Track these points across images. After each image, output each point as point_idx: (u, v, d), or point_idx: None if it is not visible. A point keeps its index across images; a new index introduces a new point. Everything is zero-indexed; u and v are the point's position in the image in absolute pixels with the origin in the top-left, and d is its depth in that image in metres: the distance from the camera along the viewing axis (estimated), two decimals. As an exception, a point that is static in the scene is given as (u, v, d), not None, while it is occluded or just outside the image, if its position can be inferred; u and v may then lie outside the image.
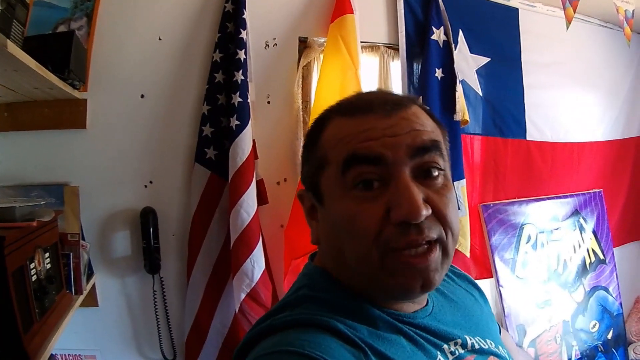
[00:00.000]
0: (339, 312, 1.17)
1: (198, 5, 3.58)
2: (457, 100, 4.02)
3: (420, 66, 4.12)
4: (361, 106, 1.23)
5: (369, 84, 3.95)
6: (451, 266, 1.43)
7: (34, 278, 2.13)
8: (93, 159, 3.32)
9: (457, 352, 1.23)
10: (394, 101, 1.23)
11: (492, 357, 1.30)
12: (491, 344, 1.35)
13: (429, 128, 1.21)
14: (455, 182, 4.01)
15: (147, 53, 3.47)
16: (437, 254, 1.13)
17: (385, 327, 1.18)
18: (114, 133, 3.38)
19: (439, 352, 1.20)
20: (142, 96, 3.44)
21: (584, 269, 4.90)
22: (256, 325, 1.20)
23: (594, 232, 5.08)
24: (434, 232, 1.12)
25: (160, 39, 3.49)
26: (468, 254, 4.10)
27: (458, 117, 4.01)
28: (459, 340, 1.26)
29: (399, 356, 1.13)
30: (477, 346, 1.29)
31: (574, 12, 4.05)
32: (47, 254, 2.36)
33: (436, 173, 1.17)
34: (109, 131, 3.37)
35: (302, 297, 1.24)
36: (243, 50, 3.44)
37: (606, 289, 5.02)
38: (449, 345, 1.24)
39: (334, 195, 1.19)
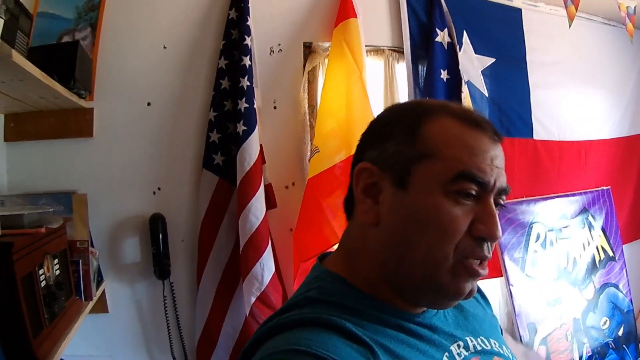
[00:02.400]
0: (346, 311, 1.18)
1: (202, 13, 3.60)
2: (463, 101, 4.01)
3: (425, 68, 4.13)
4: (475, 120, 1.26)
5: (374, 87, 3.98)
6: None
7: (43, 284, 2.13)
8: (101, 167, 3.35)
9: (462, 354, 1.26)
10: (495, 128, 1.28)
11: (495, 357, 1.32)
12: (495, 344, 1.37)
13: (504, 167, 1.27)
14: None
15: (152, 61, 3.50)
16: (486, 270, 1.22)
17: (393, 326, 1.20)
18: (121, 141, 3.41)
19: (445, 353, 1.22)
20: (149, 104, 3.47)
21: (593, 267, 4.88)
22: (263, 324, 1.21)
23: (603, 230, 5.06)
24: (490, 253, 1.22)
25: (165, 47, 3.51)
26: None
27: (465, 118, 3.95)
28: (461, 343, 1.28)
29: (407, 354, 1.14)
30: (479, 347, 1.31)
31: (576, 11, 4.06)
32: (56, 261, 2.37)
33: (499, 206, 1.26)
34: (116, 139, 3.39)
35: (309, 298, 1.25)
36: (248, 57, 3.45)
37: (616, 286, 5.00)
38: (454, 346, 1.26)
39: (429, 189, 1.19)
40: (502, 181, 1.21)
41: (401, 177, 1.23)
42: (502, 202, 1.26)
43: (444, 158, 1.19)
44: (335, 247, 1.44)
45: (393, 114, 1.36)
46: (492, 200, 1.20)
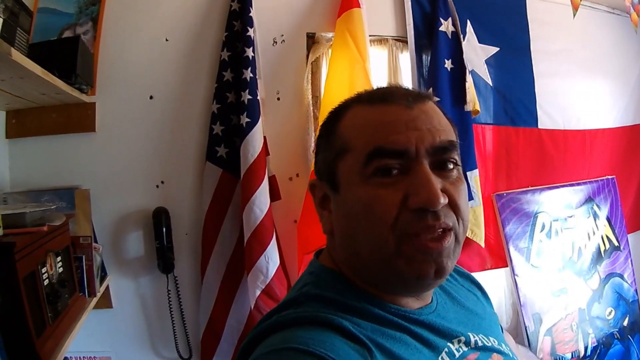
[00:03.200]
0: (343, 309, 1.18)
1: (204, 4, 3.60)
2: (467, 90, 4.01)
3: (429, 58, 4.12)
4: (381, 95, 1.25)
5: (378, 77, 3.96)
6: (455, 266, 1.40)
7: (46, 282, 2.13)
8: (103, 162, 3.35)
9: (460, 349, 1.24)
10: (413, 94, 1.25)
11: (495, 354, 1.30)
12: (494, 342, 1.35)
13: (445, 126, 1.23)
14: (468, 172, 4.04)
15: (155, 54, 3.50)
16: (450, 240, 1.16)
17: (390, 325, 1.19)
18: (124, 135, 3.41)
19: (443, 350, 1.20)
20: (151, 97, 3.47)
21: (598, 256, 4.88)
22: (261, 322, 1.21)
23: (608, 219, 5.06)
24: (449, 220, 1.16)
25: (167, 40, 3.51)
26: (483, 244, 4.11)
27: (469, 107, 4.00)
28: (463, 338, 1.27)
29: (404, 353, 1.13)
30: (480, 343, 1.29)
31: (581, 0, 4.04)
32: (59, 258, 2.36)
33: (452, 166, 1.21)
34: (119, 133, 3.40)
35: (306, 295, 1.25)
36: (251, 48, 3.45)
37: (621, 276, 5.00)
38: (452, 342, 1.24)
39: (352, 182, 1.20)
40: (430, 140, 1.17)
41: (331, 181, 1.27)
42: (454, 160, 1.21)
43: (355, 147, 1.21)
44: None
45: (325, 123, 1.38)
46: (424, 167, 1.15)
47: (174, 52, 3.54)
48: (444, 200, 1.13)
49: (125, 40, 3.42)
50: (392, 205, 1.13)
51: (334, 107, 1.37)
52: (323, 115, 3.47)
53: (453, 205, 1.17)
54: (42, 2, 3.23)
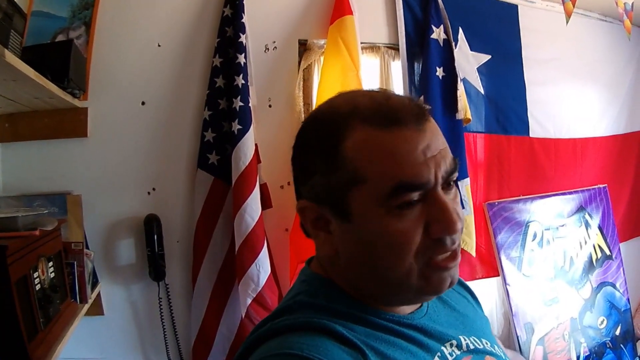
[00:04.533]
0: (337, 316, 1.18)
1: (196, 10, 3.60)
2: (458, 98, 4.04)
3: (421, 65, 4.14)
4: (389, 117, 1.15)
5: (370, 84, 3.97)
6: None
7: (37, 287, 2.12)
8: (95, 168, 3.34)
9: (454, 353, 1.25)
10: (417, 110, 1.17)
11: (488, 356, 1.31)
12: (486, 344, 1.36)
13: (445, 143, 1.20)
14: (459, 181, 4.04)
15: (147, 60, 3.49)
16: (459, 253, 1.19)
17: (384, 329, 1.19)
18: (116, 141, 3.41)
19: (437, 353, 1.22)
20: (143, 103, 3.46)
21: (590, 265, 4.91)
22: (255, 330, 1.21)
23: (600, 228, 5.09)
24: (458, 239, 1.18)
25: (159, 45, 3.51)
26: (474, 253, 4.14)
27: (460, 115, 4.03)
28: (454, 341, 1.28)
29: (399, 356, 1.14)
30: (472, 346, 1.30)
31: (573, 7, 4.06)
32: (50, 263, 2.35)
33: (452, 184, 1.19)
34: (111, 139, 3.39)
35: (299, 303, 1.24)
36: (243, 55, 3.46)
37: (613, 285, 5.03)
38: (445, 346, 1.25)
39: (370, 213, 1.13)
40: (444, 166, 1.14)
41: (340, 209, 1.19)
42: (454, 178, 1.19)
43: (373, 178, 1.13)
44: None
45: (308, 135, 1.28)
46: (441, 195, 1.13)
47: (166, 58, 3.53)
48: (461, 224, 1.13)
49: (117, 45, 3.42)
50: (414, 237, 1.12)
51: (325, 120, 1.24)
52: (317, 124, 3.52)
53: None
54: (36, 5, 3.22)
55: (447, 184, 1.16)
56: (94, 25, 3.33)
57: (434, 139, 1.15)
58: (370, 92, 1.30)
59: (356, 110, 1.18)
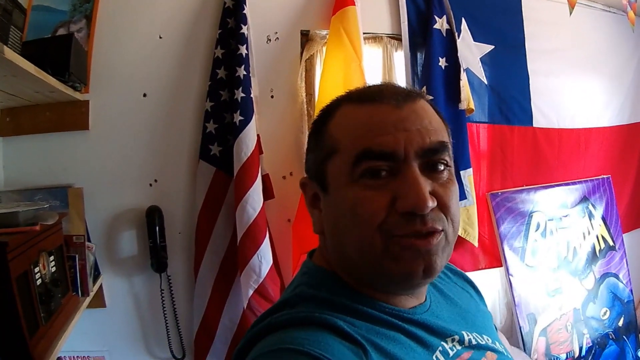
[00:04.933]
0: (338, 309, 1.19)
1: (198, 2, 3.60)
2: (461, 89, 4.02)
3: (423, 56, 4.13)
4: (371, 95, 1.23)
5: (373, 75, 3.98)
6: (447, 264, 1.45)
7: (38, 282, 2.13)
8: (97, 160, 3.36)
9: (454, 348, 1.25)
10: (404, 93, 1.23)
11: (489, 352, 1.31)
12: (488, 340, 1.36)
13: (437, 126, 1.22)
14: (462, 171, 4.04)
15: (148, 52, 3.51)
16: (439, 238, 1.15)
17: (384, 324, 1.19)
18: (117, 133, 3.42)
19: (437, 349, 1.21)
20: (145, 95, 3.48)
21: (593, 256, 4.90)
22: (255, 324, 1.21)
23: (603, 219, 5.08)
24: (438, 224, 1.15)
25: (160, 37, 3.52)
26: (476, 244, 4.11)
27: (463, 105, 4.01)
28: (456, 337, 1.27)
29: (399, 352, 1.14)
30: (474, 342, 1.30)
31: (578, -3, 4.00)
32: (51, 257, 2.36)
33: (442, 168, 1.20)
34: (112, 131, 3.41)
35: (300, 295, 1.25)
36: (245, 46, 3.45)
37: (616, 276, 5.02)
38: (446, 341, 1.25)
39: (340, 183, 1.19)
40: (419, 142, 1.16)
41: (321, 181, 1.27)
42: (444, 161, 1.21)
43: (343, 147, 1.20)
44: None
45: (316, 121, 1.36)
46: (413, 169, 1.14)
47: (167, 50, 3.54)
48: (432, 203, 1.12)
49: (118, 38, 3.43)
50: (379, 208, 1.13)
51: (326, 105, 1.35)
52: (319, 110, 3.53)
53: (443, 207, 1.17)
54: (37, 0, 3.23)
55: (432, 166, 1.18)
56: (95, 18, 3.34)
57: (414, 116, 1.19)
58: (374, 84, 1.39)
59: (346, 95, 1.31)
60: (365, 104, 1.22)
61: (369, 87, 1.35)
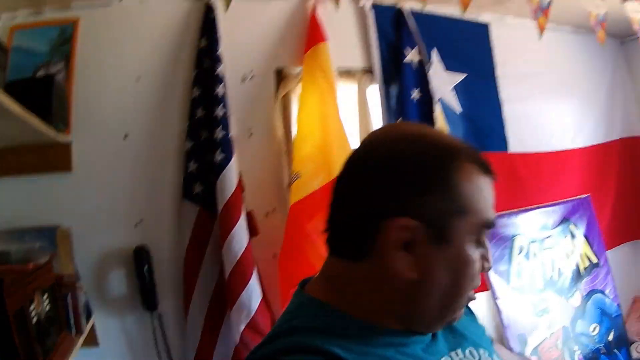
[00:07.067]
0: (334, 336, 1.19)
1: (173, 42, 3.66)
2: (436, 120, 4.11)
3: (396, 88, 4.19)
4: (486, 164, 1.29)
5: (348, 110, 4.03)
6: None
7: (34, 320, 2.14)
8: (82, 201, 3.36)
9: None
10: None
11: None
12: (483, 354, 1.39)
13: None
14: None
15: (127, 93, 3.53)
16: None
17: (381, 346, 1.22)
18: (101, 174, 3.44)
19: None
20: (125, 136, 3.50)
21: (578, 274, 4.97)
22: (250, 355, 1.24)
23: (586, 237, 5.15)
24: None
25: (138, 78, 3.55)
26: None
27: (438, 136, 4.00)
28: (455, 353, 1.33)
29: None
30: (470, 357, 1.36)
31: (546, 21, 4.14)
32: (45, 296, 2.36)
33: None
34: (95, 173, 3.43)
35: (295, 327, 1.25)
36: (221, 85, 3.51)
37: (602, 292, 5.08)
38: (450, 356, 1.32)
39: (465, 241, 1.22)
40: None
41: (442, 232, 1.21)
42: None
43: (475, 211, 1.22)
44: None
45: (417, 156, 1.24)
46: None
47: (146, 91, 3.57)
48: None
49: (97, 79, 3.47)
50: (478, 270, 1.25)
51: (436, 146, 1.27)
52: (297, 150, 3.69)
53: None
54: (16, 41, 3.28)
55: None
56: (73, 59, 3.37)
57: None
58: (435, 131, 1.45)
59: (460, 148, 1.26)
60: (488, 175, 1.27)
61: (469, 147, 1.32)
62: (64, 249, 3.12)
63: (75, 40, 3.41)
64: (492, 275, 4.43)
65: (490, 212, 1.25)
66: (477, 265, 1.23)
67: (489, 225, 1.25)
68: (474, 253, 1.22)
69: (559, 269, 4.86)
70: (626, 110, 5.98)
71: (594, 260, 5.14)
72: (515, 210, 4.78)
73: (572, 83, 5.45)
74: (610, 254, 5.36)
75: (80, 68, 3.42)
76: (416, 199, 1.21)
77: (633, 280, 5.74)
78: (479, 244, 1.24)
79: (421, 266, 1.21)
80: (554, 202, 5.06)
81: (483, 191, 1.24)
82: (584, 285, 4.99)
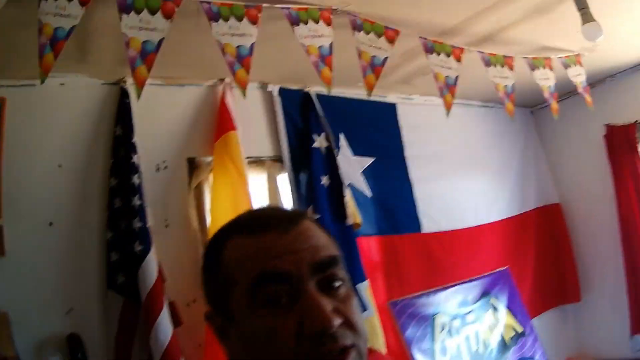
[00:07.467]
0: None
1: (91, 129, 4.00)
2: (346, 205, 4.53)
3: (306, 175, 4.60)
4: (258, 224, 1.34)
5: (259, 198, 4.42)
6: None
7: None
8: (16, 286, 3.59)
9: None
10: (288, 217, 1.38)
11: None
12: None
13: (325, 242, 1.35)
14: (358, 285, 4.47)
15: (50, 180, 3.85)
16: (353, 355, 1.22)
17: None
18: (31, 261, 3.67)
19: None
20: (50, 224, 3.79)
21: (504, 345, 5.37)
22: None
23: (508, 308, 5.58)
24: (347, 340, 1.22)
25: (60, 165, 3.90)
26: (384, 351, 4.50)
27: (350, 221, 4.52)
28: None
29: None
30: None
31: (453, 98, 4.46)
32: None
33: (338, 284, 1.30)
34: (27, 259, 3.65)
35: None
36: (137, 175, 3.89)
37: (532, 359, 5.50)
38: None
39: (244, 316, 1.25)
40: (310, 259, 1.26)
41: (225, 313, 1.32)
42: (339, 276, 1.30)
43: (241, 278, 1.27)
44: None
45: (206, 250, 1.46)
46: (311, 289, 1.22)
47: (68, 178, 3.89)
48: (338, 320, 1.20)
49: (24, 163, 3.75)
50: (288, 336, 1.18)
51: (213, 237, 1.45)
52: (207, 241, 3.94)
53: (349, 323, 1.24)
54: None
55: (329, 285, 1.28)
56: (2, 141, 3.67)
57: (302, 238, 1.31)
58: (257, 208, 1.66)
59: (235, 223, 1.42)
60: (254, 235, 1.30)
61: (254, 213, 1.53)
62: (5, 332, 3.33)
63: (4, 120, 3.70)
64: (417, 355, 4.79)
65: (262, 264, 1.24)
66: (271, 334, 1.20)
67: (260, 278, 1.23)
68: (259, 322, 1.22)
69: (484, 341, 5.25)
70: (540, 178, 6.55)
71: (519, 329, 5.58)
72: (433, 289, 5.19)
73: (483, 157, 5.96)
74: (537, 321, 5.83)
75: (9, 150, 3.69)
76: (204, 287, 1.43)
77: (563, 343, 6.24)
78: (270, 307, 1.22)
79: (233, 349, 1.36)
80: (472, 277, 5.50)
81: (247, 253, 1.29)
82: (512, 355, 5.38)
